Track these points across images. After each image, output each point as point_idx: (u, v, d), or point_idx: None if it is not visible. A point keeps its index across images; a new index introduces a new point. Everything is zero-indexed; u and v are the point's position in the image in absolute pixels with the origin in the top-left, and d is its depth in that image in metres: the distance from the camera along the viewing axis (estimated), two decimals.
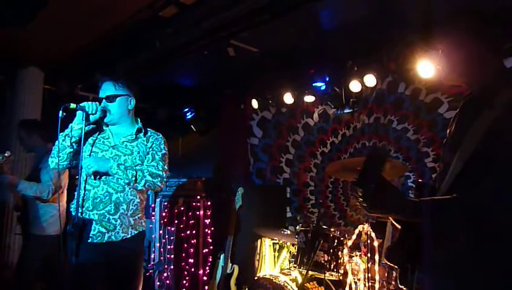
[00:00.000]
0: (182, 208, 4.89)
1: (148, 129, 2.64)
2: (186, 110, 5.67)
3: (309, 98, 4.56)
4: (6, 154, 3.14)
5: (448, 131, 1.55)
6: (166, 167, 2.56)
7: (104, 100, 2.46)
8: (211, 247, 4.71)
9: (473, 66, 1.43)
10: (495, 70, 1.41)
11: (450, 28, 1.48)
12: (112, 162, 2.35)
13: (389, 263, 2.53)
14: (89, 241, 2.30)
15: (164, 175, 2.51)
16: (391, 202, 1.34)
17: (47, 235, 3.32)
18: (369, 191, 1.30)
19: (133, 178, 2.37)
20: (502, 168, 1.24)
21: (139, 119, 2.64)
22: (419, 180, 3.00)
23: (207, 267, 4.66)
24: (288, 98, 4.61)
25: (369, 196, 1.30)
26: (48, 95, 4.88)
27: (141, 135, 2.56)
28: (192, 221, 4.78)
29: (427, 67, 3.46)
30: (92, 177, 2.36)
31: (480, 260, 1.27)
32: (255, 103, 5.00)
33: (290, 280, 3.32)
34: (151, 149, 2.53)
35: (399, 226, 1.52)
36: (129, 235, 2.40)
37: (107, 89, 2.48)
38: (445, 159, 1.47)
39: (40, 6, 3.44)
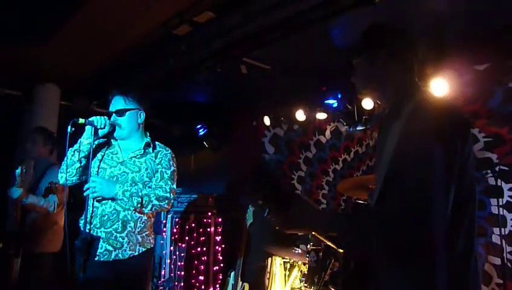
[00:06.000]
0: (193, 225, 4.88)
1: (157, 143, 2.60)
2: (199, 126, 5.71)
3: (321, 115, 4.55)
4: (23, 167, 3.07)
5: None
6: (174, 187, 2.51)
7: (114, 114, 2.45)
8: (221, 264, 4.67)
9: (386, 81, 1.44)
10: (406, 86, 1.42)
11: (365, 43, 1.49)
12: (117, 189, 2.30)
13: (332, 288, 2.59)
14: (96, 259, 2.28)
15: (172, 197, 2.46)
16: (302, 216, 1.32)
17: (45, 253, 3.22)
18: (270, 199, 1.33)
19: (139, 205, 2.33)
20: (406, 184, 1.22)
21: (147, 133, 2.61)
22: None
23: (217, 285, 4.61)
24: (300, 115, 4.61)
25: (278, 212, 1.31)
26: (64, 111, 4.97)
27: (150, 149, 2.53)
28: (203, 238, 4.76)
29: (440, 84, 3.43)
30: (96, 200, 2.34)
31: (393, 272, 1.28)
32: (267, 120, 5.01)
33: None
34: (159, 166, 2.49)
35: (341, 251, 1.52)
36: (136, 253, 2.37)
37: (117, 103, 2.48)
38: (375, 180, 1.49)
39: (59, 24, 3.54)
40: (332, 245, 1.56)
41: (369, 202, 1.59)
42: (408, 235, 1.22)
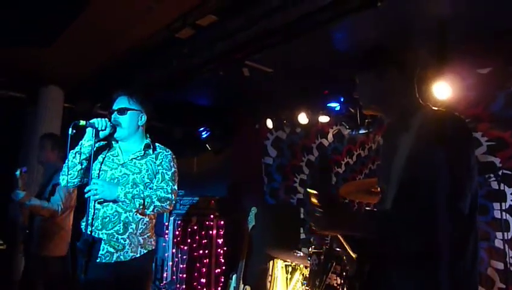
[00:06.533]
0: (195, 227, 4.88)
1: (157, 145, 2.60)
2: (201, 129, 5.72)
3: (324, 119, 4.55)
4: (23, 170, 3.10)
5: (377, 163, 1.65)
6: (175, 188, 2.51)
7: (115, 112, 2.47)
8: (223, 267, 4.67)
9: (393, 95, 1.51)
10: (410, 101, 1.50)
11: (369, 60, 1.55)
12: (119, 191, 2.30)
13: None
14: (97, 261, 2.27)
15: (173, 197, 2.46)
16: (345, 218, 1.37)
17: (51, 256, 3.22)
18: (325, 201, 1.33)
19: (141, 206, 2.33)
20: (421, 190, 1.28)
21: (148, 135, 2.61)
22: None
23: (219, 288, 4.61)
24: (302, 118, 4.61)
25: (325, 211, 1.33)
26: (67, 113, 5.00)
27: (150, 151, 2.52)
28: (205, 240, 4.77)
29: (443, 89, 3.42)
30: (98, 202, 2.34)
31: (403, 273, 1.34)
32: (269, 123, 5.02)
33: None
34: (160, 167, 2.49)
35: (354, 255, 1.54)
36: (138, 255, 2.36)
37: (121, 102, 2.50)
38: (382, 189, 1.54)
39: (61, 26, 3.56)
40: (349, 250, 1.58)
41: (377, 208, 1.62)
42: (422, 238, 1.27)
